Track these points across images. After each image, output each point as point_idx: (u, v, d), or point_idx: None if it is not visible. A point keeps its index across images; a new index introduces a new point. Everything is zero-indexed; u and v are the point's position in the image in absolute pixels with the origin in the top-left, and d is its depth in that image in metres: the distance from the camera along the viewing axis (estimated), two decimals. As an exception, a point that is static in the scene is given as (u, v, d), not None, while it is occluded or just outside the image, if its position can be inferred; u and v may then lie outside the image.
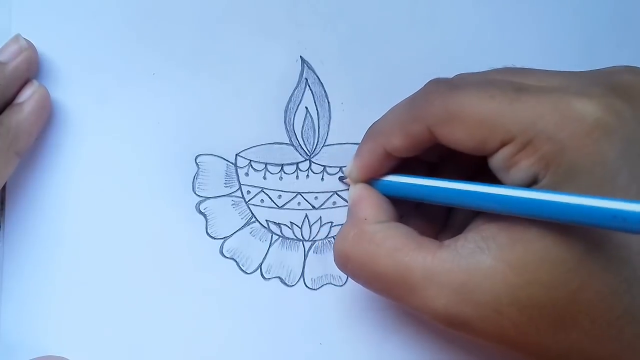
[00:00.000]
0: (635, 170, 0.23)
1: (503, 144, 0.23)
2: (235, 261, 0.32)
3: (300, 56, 0.32)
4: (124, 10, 0.31)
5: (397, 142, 0.26)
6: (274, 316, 0.32)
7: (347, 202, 0.32)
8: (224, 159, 0.32)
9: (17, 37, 0.30)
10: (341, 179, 0.31)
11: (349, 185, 0.30)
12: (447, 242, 0.25)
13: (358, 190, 0.28)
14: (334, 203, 0.32)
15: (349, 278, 0.30)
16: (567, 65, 0.27)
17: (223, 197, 0.32)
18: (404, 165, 0.28)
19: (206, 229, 0.32)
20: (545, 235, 0.23)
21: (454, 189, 0.25)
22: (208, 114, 0.32)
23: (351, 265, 0.26)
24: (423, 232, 0.27)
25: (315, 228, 0.32)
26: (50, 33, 0.31)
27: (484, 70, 0.28)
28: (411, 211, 0.30)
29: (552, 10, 0.33)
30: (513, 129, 0.23)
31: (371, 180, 0.28)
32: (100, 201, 0.31)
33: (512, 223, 0.23)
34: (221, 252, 0.32)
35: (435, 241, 0.25)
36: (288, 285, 0.32)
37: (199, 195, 0.32)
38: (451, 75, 0.28)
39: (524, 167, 0.23)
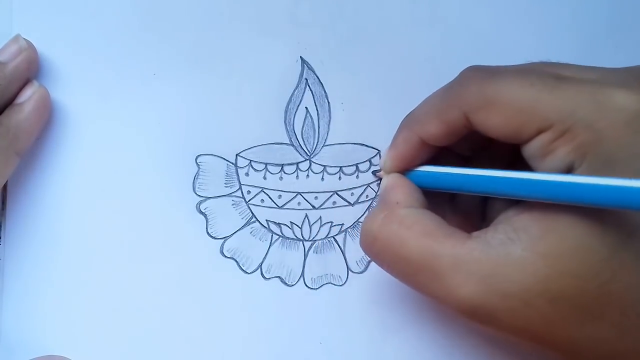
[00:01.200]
0: None
1: (540, 131, 0.23)
2: (236, 261, 0.32)
3: (300, 56, 0.32)
4: (125, 10, 0.31)
5: (433, 129, 0.26)
6: (274, 316, 0.32)
7: (347, 202, 0.32)
8: (225, 159, 0.32)
9: (17, 37, 0.30)
10: (374, 172, 0.31)
11: (380, 179, 0.29)
12: (476, 233, 0.24)
13: (391, 178, 0.28)
14: (334, 203, 0.32)
15: (372, 262, 0.29)
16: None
17: (223, 197, 0.32)
18: (437, 159, 0.28)
19: (206, 228, 0.32)
20: (578, 225, 0.23)
21: (490, 177, 0.25)
22: (208, 114, 0.32)
23: (377, 247, 0.26)
24: (459, 226, 0.26)
25: (315, 228, 0.32)
26: (51, 33, 0.31)
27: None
28: (444, 207, 0.30)
29: (550, 11, 0.33)
30: (551, 116, 0.23)
31: (405, 171, 0.28)
32: (100, 201, 0.31)
33: (545, 214, 0.23)
34: (221, 252, 0.32)
35: (465, 232, 0.25)
36: (288, 285, 0.32)
37: (199, 195, 0.32)
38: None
39: (561, 155, 0.23)
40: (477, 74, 0.25)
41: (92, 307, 0.31)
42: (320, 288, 0.32)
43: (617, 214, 0.22)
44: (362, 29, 0.32)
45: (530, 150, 0.24)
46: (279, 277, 0.32)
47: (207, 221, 0.32)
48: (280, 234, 0.32)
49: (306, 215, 0.32)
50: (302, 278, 0.32)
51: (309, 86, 0.32)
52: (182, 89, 0.31)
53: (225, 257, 0.32)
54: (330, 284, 0.32)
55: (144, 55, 0.31)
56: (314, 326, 0.32)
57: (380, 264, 0.27)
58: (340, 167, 0.32)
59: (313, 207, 0.32)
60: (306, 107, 0.32)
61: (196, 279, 0.31)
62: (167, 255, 0.31)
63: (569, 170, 0.23)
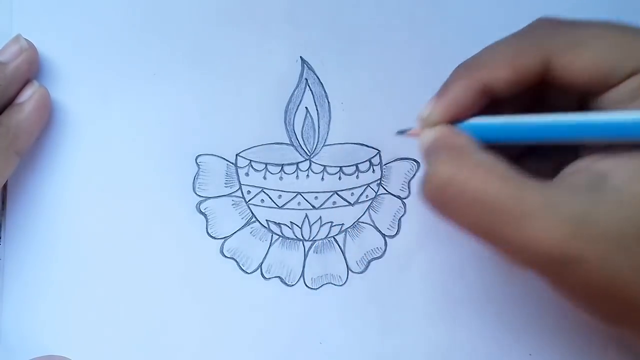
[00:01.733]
0: None
1: (633, 73, 0.22)
2: (236, 261, 0.32)
3: (301, 56, 0.32)
4: (125, 10, 0.31)
5: (504, 74, 0.24)
6: (274, 316, 0.32)
7: (347, 202, 0.32)
8: (225, 159, 0.32)
9: (17, 38, 0.30)
10: (403, 132, 0.27)
11: (407, 138, 0.26)
12: (556, 178, 0.23)
13: (440, 129, 0.25)
14: (334, 203, 0.32)
15: (438, 211, 0.25)
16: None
17: (223, 197, 0.32)
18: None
19: (206, 228, 0.32)
20: None
21: (568, 121, 0.23)
22: (208, 114, 0.32)
23: (450, 194, 0.23)
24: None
25: (315, 228, 0.32)
26: (51, 33, 0.31)
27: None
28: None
29: (553, 9, 0.32)
30: None
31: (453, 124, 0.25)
32: (100, 201, 0.31)
33: (632, 156, 0.22)
34: (221, 252, 0.32)
35: (536, 179, 0.23)
36: (288, 285, 0.32)
37: (199, 195, 0.32)
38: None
39: None
40: (556, 20, 0.24)
41: (92, 307, 0.31)
42: (320, 288, 0.32)
43: None
44: (362, 29, 0.32)
45: (616, 95, 0.23)
46: (279, 277, 0.32)
47: (207, 221, 0.32)
48: (280, 234, 0.32)
49: (306, 215, 0.32)
50: (302, 278, 0.32)
51: (309, 86, 0.32)
52: (182, 89, 0.31)
53: (225, 257, 0.32)
54: (330, 284, 0.32)
55: (144, 55, 0.31)
56: (314, 326, 0.32)
57: (450, 212, 0.23)
58: (340, 167, 0.32)
59: (313, 207, 0.32)
60: (306, 107, 0.32)
61: (196, 279, 0.31)
62: (167, 255, 0.31)
63: None
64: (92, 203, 0.31)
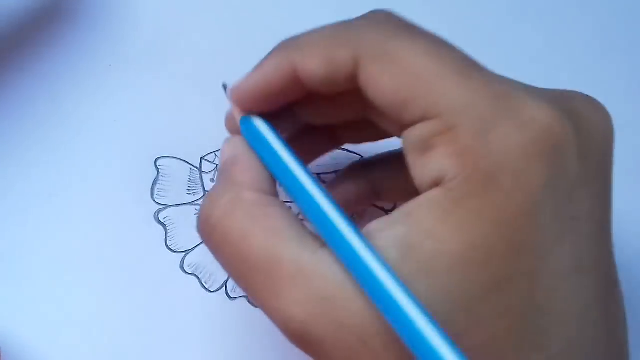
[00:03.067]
0: (560, 209, 0.19)
1: (424, 118, 0.20)
2: (198, 278, 0.30)
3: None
4: (78, -7, 0.31)
5: (314, 65, 0.21)
6: (240, 340, 0.30)
7: None
8: (188, 162, 0.31)
9: None
10: (225, 86, 0.26)
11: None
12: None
13: (234, 146, 0.24)
14: None
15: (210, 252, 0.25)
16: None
17: (185, 206, 0.30)
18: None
19: (165, 241, 0.30)
20: (440, 258, 0.19)
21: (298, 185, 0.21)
22: (170, 112, 0.31)
23: (216, 239, 0.22)
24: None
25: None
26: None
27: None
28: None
29: (559, 7, 0.33)
30: (443, 104, 0.19)
31: (257, 110, 0.24)
32: (45, 207, 0.30)
33: (409, 235, 0.20)
34: (182, 268, 0.30)
35: (319, 238, 0.21)
36: (255, 306, 0.30)
37: (158, 203, 0.30)
38: None
39: (437, 156, 0.19)
40: (390, 19, 0.22)
41: (38, 326, 0.29)
42: None
43: (486, 255, 0.19)
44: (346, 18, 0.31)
45: (408, 138, 0.20)
46: (245, 297, 0.30)
47: (166, 232, 0.30)
48: None
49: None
50: None
51: None
52: (141, 83, 0.31)
53: (186, 273, 0.30)
54: None
55: (98, 45, 0.31)
56: (285, 350, 0.30)
57: (217, 258, 0.23)
58: (318, 174, 0.31)
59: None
60: None
61: (153, 297, 0.30)
62: (120, 270, 0.30)
63: (438, 181, 0.20)
64: (35, 208, 0.30)
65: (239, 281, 0.22)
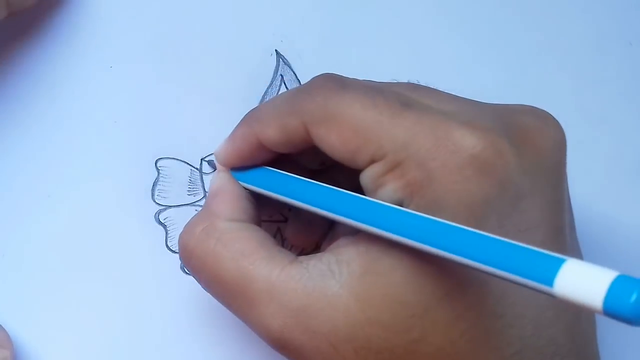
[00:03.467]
0: (504, 220, 0.21)
1: (373, 160, 0.22)
2: None
3: (276, 50, 0.31)
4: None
5: (271, 133, 0.25)
6: (240, 339, 0.30)
7: None
8: (188, 163, 0.31)
9: None
10: (210, 162, 0.30)
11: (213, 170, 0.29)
12: (301, 257, 0.24)
13: (219, 181, 0.27)
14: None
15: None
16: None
17: (186, 207, 0.30)
18: (285, 165, 0.27)
19: (166, 241, 0.30)
20: (397, 271, 0.21)
21: (312, 189, 0.24)
22: (171, 113, 0.30)
23: (193, 264, 0.25)
24: (301, 237, 0.27)
25: (288, 243, 0.31)
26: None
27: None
28: (294, 212, 0.30)
29: (561, 6, 0.33)
30: (386, 146, 0.22)
31: (240, 169, 0.27)
32: (46, 208, 0.30)
33: (370, 250, 0.22)
34: (182, 268, 0.30)
35: (290, 254, 0.24)
36: None
37: (158, 204, 0.30)
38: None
39: (390, 190, 0.22)
40: (326, 83, 0.24)
41: (39, 327, 0.29)
42: None
43: (440, 268, 0.21)
44: (345, 20, 0.32)
45: (364, 179, 0.23)
46: None
47: (166, 233, 0.30)
48: None
49: (278, 229, 0.31)
50: None
51: (284, 83, 0.31)
52: (141, 84, 0.30)
53: (187, 273, 0.30)
54: None
55: (100, 46, 0.30)
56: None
57: (199, 281, 0.26)
58: None
59: (286, 219, 0.31)
60: None
61: (153, 298, 0.30)
62: (120, 270, 0.30)
63: None
64: (36, 209, 0.29)
65: (219, 300, 0.25)
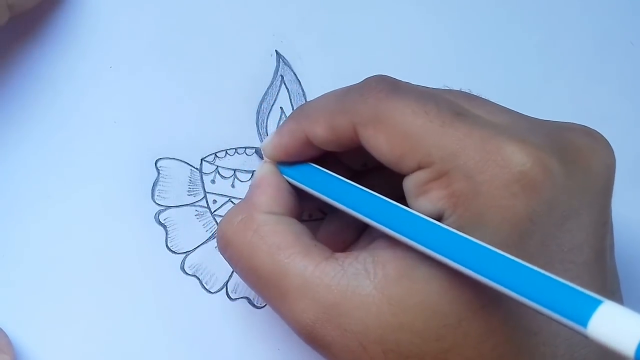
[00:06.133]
0: (548, 239, 0.21)
1: (420, 167, 0.22)
2: (198, 279, 0.30)
3: (276, 50, 0.31)
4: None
5: (319, 131, 0.25)
6: (241, 340, 0.30)
7: (324, 214, 0.31)
8: (188, 163, 0.30)
9: None
10: (258, 152, 0.30)
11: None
12: (337, 254, 0.24)
13: (263, 172, 0.27)
14: (310, 216, 0.30)
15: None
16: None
17: (186, 207, 0.30)
18: (328, 163, 0.27)
19: (166, 242, 0.30)
20: (434, 280, 0.21)
21: (355, 193, 0.24)
22: (171, 113, 0.30)
23: (230, 253, 0.25)
24: (336, 236, 0.27)
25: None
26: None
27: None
28: (330, 214, 0.29)
29: (562, 6, 0.33)
30: (434, 154, 0.22)
31: (286, 163, 0.27)
32: (46, 208, 0.29)
33: (407, 256, 0.22)
34: (182, 269, 0.30)
35: (327, 250, 0.24)
36: (257, 307, 0.30)
37: (158, 204, 0.30)
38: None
39: (433, 199, 0.22)
40: (379, 85, 0.24)
41: (38, 327, 0.29)
42: None
43: (476, 281, 0.21)
44: (345, 21, 0.32)
45: (407, 184, 0.23)
46: (246, 297, 0.30)
47: (166, 233, 0.30)
48: None
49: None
50: None
51: (284, 84, 0.31)
52: (141, 84, 0.30)
53: (187, 274, 0.30)
54: None
55: (99, 46, 0.30)
56: (286, 351, 0.30)
57: (234, 270, 0.26)
58: None
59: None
60: (281, 108, 0.31)
61: (153, 299, 0.30)
62: (120, 271, 0.29)
63: (438, 218, 0.22)
64: (36, 210, 0.29)
65: (255, 291, 0.25)
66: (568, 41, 0.33)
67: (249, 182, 0.30)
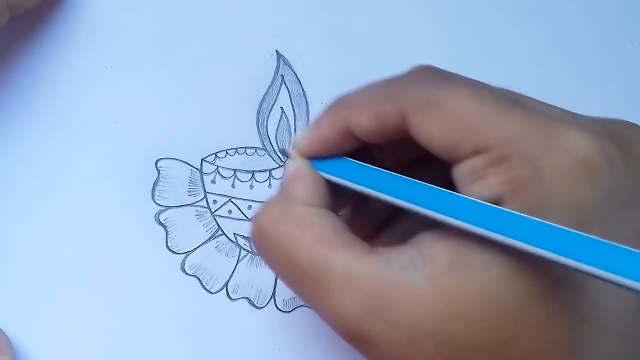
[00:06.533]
0: (610, 225, 0.21)
1: (476, 152, 0.21)
2: (198, 279, 0.30)
3: (276, 50, 0.31)
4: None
5: (364, 120, 0.24)
6: (241, 340, 0.30)
7: None
8: (188, 164, 0.30)
9: None
10: (283, 152, 0.29)
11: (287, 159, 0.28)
12: (380, 248, 0.23)
13: (297, 165, 0.26)
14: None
15: (261, 257, 0.27)
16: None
17: (186, 207, 0.30)
18: (361, 159, 0.27)
19: (166, 242, 0.30)
20: (492, 269, 0.21)
21: (403, 184, 0.23)
22: (171, 114, 0.30)
23: (267, 245, 0.24)
24: (357, 230, 0.25)
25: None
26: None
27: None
28: (353, 205, 0.29)
29: (562, 6, 0.33)
30: (492, 139, 0.21)
31: (319, 158, 0.26)
32: (46, 208, 0.29)
33: (459, 246, 0.21)
34: (182, 269, 0.30)
35: (366, 244, 0.23)
36: (257, 307, 0.30)
37: (159, 204, 0.30)
38: None
39: (491, 184, 0.21)
40: (428, 73, 0.24)
41: (38, 327, 0.29)
42: (294, 311, 0.30)
43: (536, 267, 0.20)
44: (345, 21, 0.32)
45: (460, 171, 0.22)
46: (247, 297, 0.30)
47: (167, 233, 0.30)
48: (250, 249, 0.31)
49: None
50: (272, 299, 0.30)
51: (285, 84, 0.31)
52: (142, 84, 0.30)
53: (187, 274, 0.30)
54: (304, 307, 0.31)
55: (100, 46, 0.30)
56: (286, 352, 0.30)
57: (269, 264, 0.25)
58: None
59: None
60: (281, 108, 0.31)
61: (153, 299, 0.30)
62: (120, 271, 0.29)
63: (494, 203, 0.21)
64: (37, 210, 0.29)
65: (291, 285, 0.24)
66: (568, 41, 0.33)
67: (249, 182, 0.30)
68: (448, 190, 0.22)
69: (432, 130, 0.22)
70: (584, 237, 0.19)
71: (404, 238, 0.23)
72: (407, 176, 0.25)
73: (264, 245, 0.25)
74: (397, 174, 0.24)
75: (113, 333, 0.29)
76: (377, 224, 0.28)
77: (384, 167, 0.27)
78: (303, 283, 0.23)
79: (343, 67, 0.31)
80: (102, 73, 0.30)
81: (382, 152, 0.26)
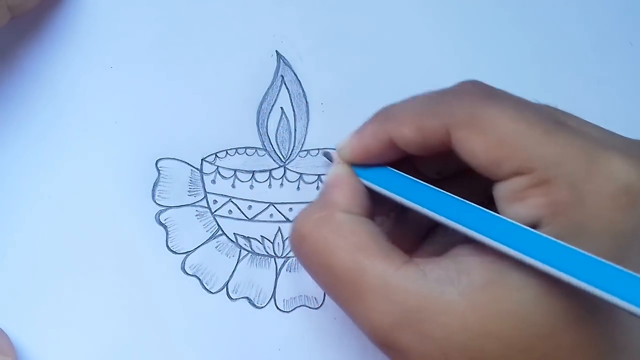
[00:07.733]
0: None
1: (518, 173, 0.22)
2: (199, 279, 0.30)
3: (276, 51, 0.31)
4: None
5: (408, 133, 0.24)
6: (241, 340, 0.30)
7: None
8: (188, 164, 0.30)
9: None
10: (326, 155, 0.29)
11: (330, 163, 0.28)
12: (417, 260, 0.23)
13: (339, 171, 0.26)
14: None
15: (301, 265, 0.27)
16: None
17: (186, 207, 0.30)
18: (401, 170, 0.26)
19: (167, 242, 0.30)
20: (527, 289, 0.21)
21: (443, 199, 0.23)
22: (171, 114, 0.30)
23: (305, 249, 0.25)
24: (398, 240, 0.25)
25: (289, 243, 0.30)
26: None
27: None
28: (396, 215, 0.29)
29: (561, 7, 0.33)
30: (535, 161, 0.21)
31: (361, 166, 0.27)
32: (48, 209, 0.29)
33: (496, 263, 0.21)
34: (183, 269, 0.30)
35: (404, 255, 0.23)
36: (257, 307, 0.30)
37: (159, 204, 0.30)
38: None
39: (531, 205, 0.21)
40: (474, 89, 0.24)
41: (40, 326, 0.29)
42: (294, 311, 0.30)
43: (571, 291, 0.20)
44: (345, 21, 0.32)
45: (502, 190, 0.22)
46: (247, 297, 0.30)
47: (167, 233, 0.30)
48: (250, 249, 0.30)
49: (279, 229, 0.30)
50: (273, 299, 0.30)
51: (285, 84, 0.31)
52: (142, 85, 0.30)
53: (187, 274, 0.30)
54: (304, 307, 0.30)
55: (100, 47, 0.30)
56: (286, 353, 0.30)
57: (306, 268, 0.25)
58: (319, 175, 0.31)
59: (287, 219, 0.30)
60: (281, 108, 0.31)
61: (154, 299, 0.29)
62: (121, 271, 0.29)
63: (533, 225, 0.21)
64: (38, 210, 0.29)
65: (327, 289, 0.25)
66: (567, 41, 0.33)
67: (249, 182, 0.30)
68: (487, 210, 0.22)
69: (475, 147, 0.22)
70: (620, 270, 0.19)
71: (444, 250, 0.24)
72: (448, 188, 0.25)
73: (302, 250, 0.25)
74: (438, 189, 0.24)
75: (113, 333, 0.29)
76: (418, 235, 0.28)
77: (425, 177, 0.27)
78: (339, 289, 0.23)
79: (343, 68, 0.31)
80: (102, 73, 0.30)
81: (424, 163, 0.26)
